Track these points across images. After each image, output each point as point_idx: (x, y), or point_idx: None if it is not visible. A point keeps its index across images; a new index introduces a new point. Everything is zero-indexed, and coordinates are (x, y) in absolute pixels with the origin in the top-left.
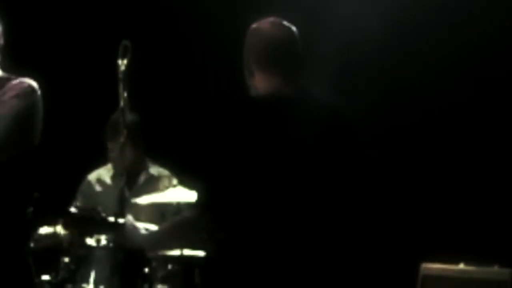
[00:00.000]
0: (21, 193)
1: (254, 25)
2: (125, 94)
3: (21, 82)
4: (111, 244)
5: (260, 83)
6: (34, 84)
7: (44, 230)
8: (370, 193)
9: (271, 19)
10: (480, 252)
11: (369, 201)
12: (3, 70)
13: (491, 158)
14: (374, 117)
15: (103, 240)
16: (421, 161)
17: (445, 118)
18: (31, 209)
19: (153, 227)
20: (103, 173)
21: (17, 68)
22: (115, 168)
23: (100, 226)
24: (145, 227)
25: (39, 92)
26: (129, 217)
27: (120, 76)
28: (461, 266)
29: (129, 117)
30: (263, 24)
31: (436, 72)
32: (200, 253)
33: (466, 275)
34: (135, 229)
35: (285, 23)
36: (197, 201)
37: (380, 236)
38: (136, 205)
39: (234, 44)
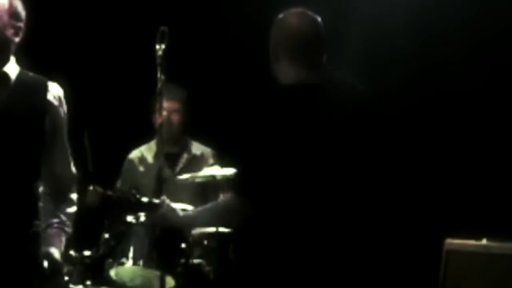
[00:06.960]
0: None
1: (280, 16)
2: (163, 78)
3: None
4: (149, 221)
5: (286, 72)
6: None
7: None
8: (397, 172)
9: (296, 10)
10: (502, 228)
11: (397, 180)
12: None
13: None
14: (402, 100)
15: (142, 217)
16: (445, 139)
17: (471, 99)
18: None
19: (189, 207)
20: (145, 152)
21: (59, 57)
22: (158, 144)
23: (136, 207)
24: (181, 207)
25: None
26: (164, 198)
27: (158, 60)
28: (484, 241)
29: (180, 91)
30: (289, 15)
31: (464, 54)
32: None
33: (489, 250)
34: (172, 210)
35: (310, 13)
36: (233, 186)
37: (406, 213)
38: (178, 184)
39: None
